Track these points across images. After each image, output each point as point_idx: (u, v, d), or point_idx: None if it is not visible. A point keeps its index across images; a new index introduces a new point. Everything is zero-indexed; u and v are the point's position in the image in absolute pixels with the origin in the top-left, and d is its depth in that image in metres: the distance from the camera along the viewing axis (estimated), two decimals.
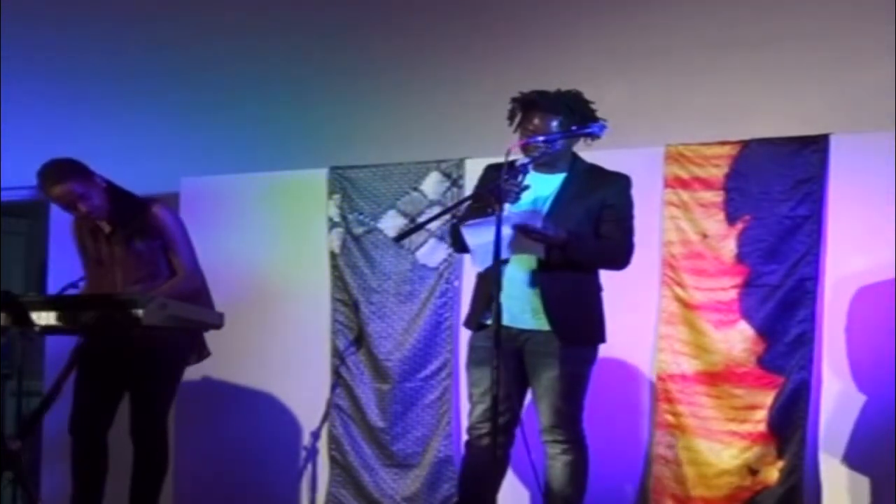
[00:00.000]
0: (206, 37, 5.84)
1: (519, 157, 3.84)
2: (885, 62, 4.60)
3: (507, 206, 3.73)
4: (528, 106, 3.96)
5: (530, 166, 3.85)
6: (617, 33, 5.12)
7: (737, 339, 4.67)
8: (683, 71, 4.97)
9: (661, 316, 4.81)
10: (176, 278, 4.38)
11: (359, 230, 5.37)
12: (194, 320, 4.28)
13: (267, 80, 5.71)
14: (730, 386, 4.67)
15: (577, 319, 3.95)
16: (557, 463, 3.96)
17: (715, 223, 4.76)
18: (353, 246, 5.38)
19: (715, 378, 4.70)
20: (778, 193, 4.66)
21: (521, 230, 3.75)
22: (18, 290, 5.17)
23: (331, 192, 5.43)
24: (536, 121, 3.93)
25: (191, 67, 5.88)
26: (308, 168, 5.48)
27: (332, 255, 5.41)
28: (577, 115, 3.92)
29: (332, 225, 5.42)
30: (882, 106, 4.57)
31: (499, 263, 3.63)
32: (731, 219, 4.73)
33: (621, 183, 4.01)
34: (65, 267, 5.73)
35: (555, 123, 3.90)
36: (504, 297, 3.80)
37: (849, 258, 4.56)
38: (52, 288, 5.78)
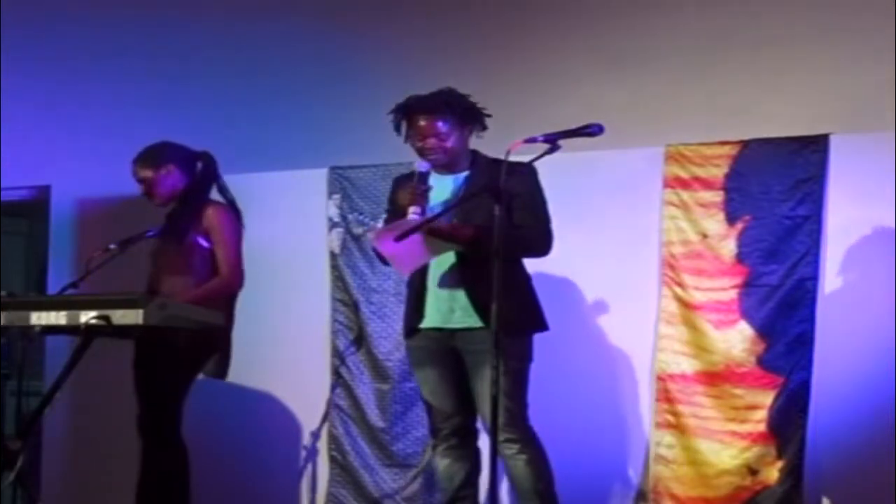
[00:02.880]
0: (206, 37, 5.83)
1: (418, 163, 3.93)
2: (885, 62, 4.59)
3: (412, 210, 3.78)
4: (408, 111, 3.97)
5: (433, 171, 3.92)
6: (617, 33, 5.11)
7: (737, 339, 4.67)
8: (683, 71, 4.96)
9: (661, 316, 4.81)
10: (214, 280, 4.44)
11: (359, 230, 5.37)
12: (194, 320, 4.28)
13: (267, 79, 5.70)
14: (730, 386, 4.67)
15: (508, 311, 3.74)
16: (518, 463, 3.90)
17: (715, 223, 4.76)
18: (353, 246, 5.38)
19: (715, 378, 4.70)
20: (778, 193, 4.67)
21: (428, 232, 3.76)
22: (18, 290, 5.16)
23: (331, 192, 5.44)
24: (422, 122, 3.94)
25: (190, 68, 5.88)
26: (308, 168, 5.49)
27: (332, 255, 5.42)
28: (456, 108, 3.93)
29: (332, 225, 5.43)
30: (882, 106, 4.56)
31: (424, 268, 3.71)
32: (731, 219, 4.74)
33: (525, 171, 3.89)
34: (65, 267, 5.75)
35: (441, 120, 3.91)
36: (432, 299, 3.89)
37: (849, 258, 4.56)
38: (52, 288, 5.78)
